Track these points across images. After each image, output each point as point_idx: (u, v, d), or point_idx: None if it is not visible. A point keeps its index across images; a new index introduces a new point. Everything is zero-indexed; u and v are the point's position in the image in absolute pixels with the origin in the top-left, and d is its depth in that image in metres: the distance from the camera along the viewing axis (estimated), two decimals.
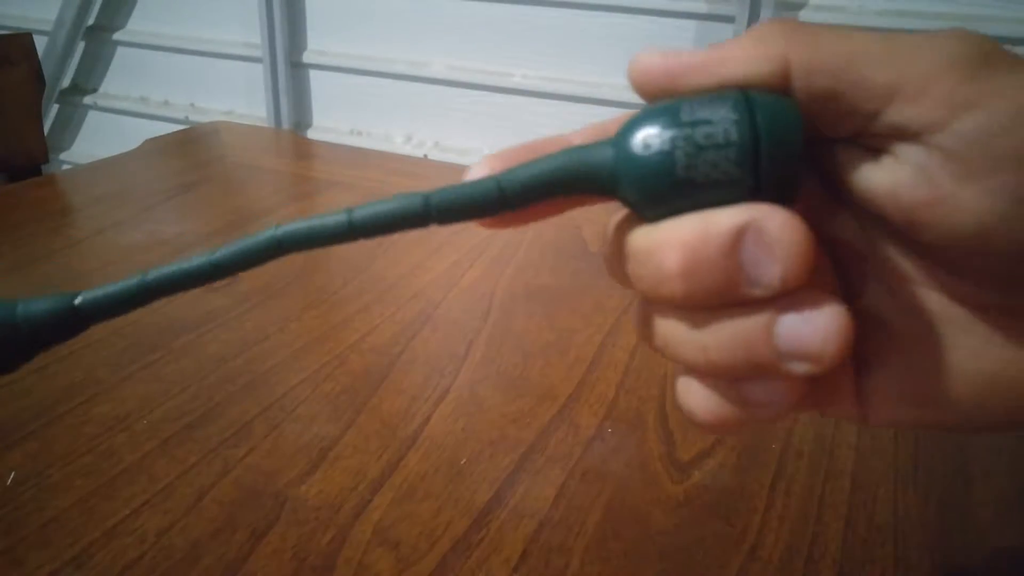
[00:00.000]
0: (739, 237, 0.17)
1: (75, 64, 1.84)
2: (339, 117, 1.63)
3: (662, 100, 0.19)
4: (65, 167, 1.77)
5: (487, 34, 1.40)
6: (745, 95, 0.18)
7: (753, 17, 1.13)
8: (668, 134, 0.18)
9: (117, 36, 1.77)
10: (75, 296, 0.20)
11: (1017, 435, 0.39)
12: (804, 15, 1.12)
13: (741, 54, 0.18)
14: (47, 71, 1.68)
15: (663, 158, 0.18)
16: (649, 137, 0.18)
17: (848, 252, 0.21)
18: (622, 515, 0.34)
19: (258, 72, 1.63)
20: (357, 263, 0.57)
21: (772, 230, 0.17)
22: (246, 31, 1.62)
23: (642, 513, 0.35)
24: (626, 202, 0.20)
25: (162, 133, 0.87)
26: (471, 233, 0.60)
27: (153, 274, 0.21)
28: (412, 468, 0.37)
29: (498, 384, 0.43)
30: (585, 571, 0.31)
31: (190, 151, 0.84)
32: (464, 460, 0.37)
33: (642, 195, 0.19)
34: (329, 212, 0.20)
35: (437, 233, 0.62)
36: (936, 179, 0.17)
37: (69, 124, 1.91)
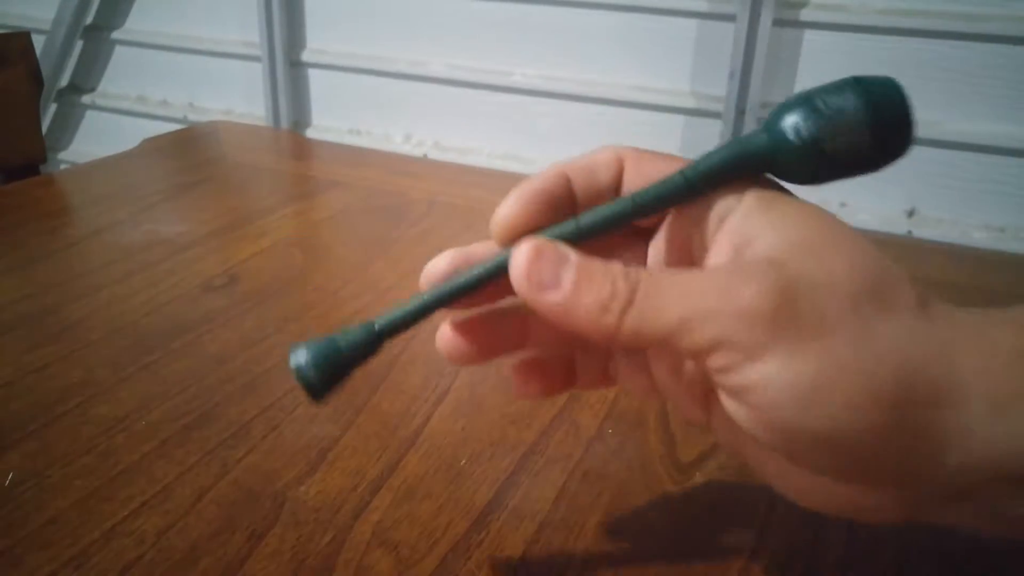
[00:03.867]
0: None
1: (73, 63, 1.84)
2: (338, 116, 1.63)
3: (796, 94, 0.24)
4: (63, 167, 1.76)
5: (487, 33, 1.40)
6: (857, 80, 0.23)
7: (754, 15, 1.12)
8: (812, 121, 0.23)
9: (115, 35, 1.77)
10: (374, 323, 0.26)
11: None
12: (805, 14, 1.12)
13: None
14: (45, 70, 1.68)
15: (812, 143, 0.23)
16: (798, 125, 0.23)
17: None
18: (623, 516, 0.34)
19: (257, 71, 1.63)
20: (357, 263, 0.57)
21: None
22: (245, 30, 1.62)
23: (643, 514, 0.34)
24: (780, 174, 0.25)
25: (160, 132, 0.87)
26: (471, 233, 0.60)
27: (430, 295, 0.27)
28: (412, 469, 0.37)
29: (498, 384, 0.43)
30: (586, 573, 0.31)
31: (189, 151, 0.84)
32: (464, 461, 0.37)
33: (796, 171, 0.24)
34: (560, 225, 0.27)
35: (437, 234, 0.62)
36: None
37: (67, 123, 1.91)
